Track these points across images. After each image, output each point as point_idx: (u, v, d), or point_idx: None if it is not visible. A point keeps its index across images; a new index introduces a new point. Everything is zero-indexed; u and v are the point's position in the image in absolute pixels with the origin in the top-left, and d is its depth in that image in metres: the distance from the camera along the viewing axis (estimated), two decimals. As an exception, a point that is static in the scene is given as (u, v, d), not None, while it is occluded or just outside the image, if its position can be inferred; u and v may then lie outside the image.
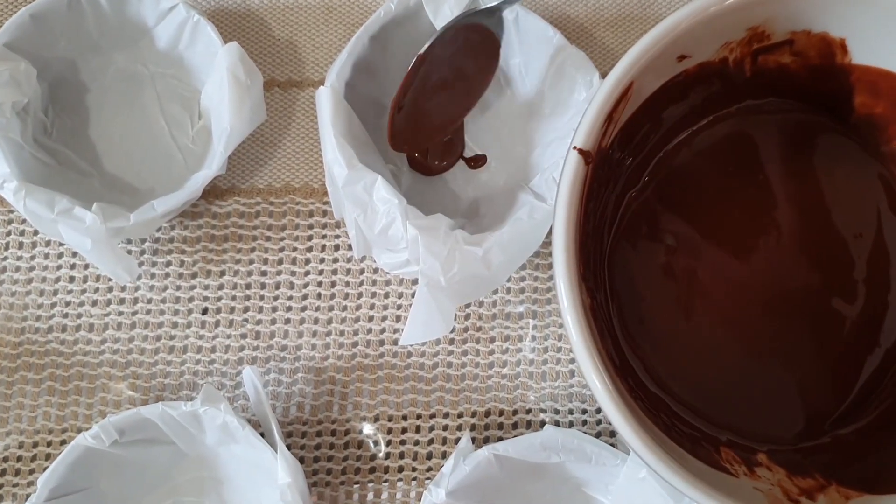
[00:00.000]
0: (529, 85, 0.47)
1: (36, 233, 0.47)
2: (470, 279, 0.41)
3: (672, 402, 0.42)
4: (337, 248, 0.47)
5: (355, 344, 0.46)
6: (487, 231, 0.41)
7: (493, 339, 0.46)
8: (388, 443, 0.45)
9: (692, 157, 0.44)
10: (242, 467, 0.43)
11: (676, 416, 0.42)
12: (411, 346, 0.46)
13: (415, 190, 0.48)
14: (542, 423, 0.45)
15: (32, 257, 0.46)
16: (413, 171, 0.48)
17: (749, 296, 0.43)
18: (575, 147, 0.36)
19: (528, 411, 0.46)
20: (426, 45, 0.42)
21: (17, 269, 0.46)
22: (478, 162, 0.48)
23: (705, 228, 0.44)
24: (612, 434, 0.45)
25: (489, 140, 0.48)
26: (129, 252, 0.47)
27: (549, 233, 0.42)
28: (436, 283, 0.40)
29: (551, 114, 0.46)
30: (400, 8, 0.44)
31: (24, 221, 0.47)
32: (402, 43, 0.46)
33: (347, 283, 0.47)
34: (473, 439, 0.45)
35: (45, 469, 0.40)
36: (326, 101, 0.42)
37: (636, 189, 0.44)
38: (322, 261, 0.47)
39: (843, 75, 0.42)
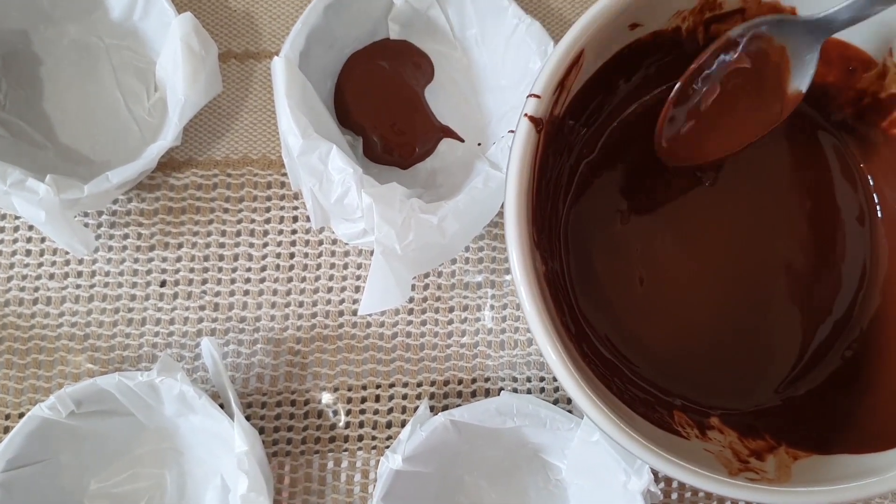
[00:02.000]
0: (486, 55, 0.47)
1: (-9, 207, 0.46)
2: (426, 248, 0.41)
3: (626, 368, 0.43)
4: (295, 219, 0.47)
5: (314, 315, 0.46)
6: (443, 200, 0.42)
7: (451, 309, 0.47)
8: (348, 412, 0.45)
9: (647, 126, 0.44)
10: (202, 438, 0.43)
11: (631, 381, 0.42)
12: (370, 316, 0.46)
13: (372, 161, 0.48)
14: (500, 392, 0.46)
15: (-13, 231, 0.46)
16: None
17: (703, 264, 0.44)
18: (526, 114, 0.36)
19: (487, 380, 0.46)
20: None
21: (-27, 242, 0.46)
22: (448, 134, 0.48)
23: (659, 197, 0.44)
24: (570, 401, 0.46)
25: (446, 111, 0.48)
26: (86, 225, 0.46)
27: (504, 202, 0.42)
28: (391, 251, 0.40)
29: (507, 83, 0.46)
30: None
31: (-22, 195, 0.46)
32: (358, 13, 0.46)
33: (306, 255, 0.47)
34: (432, 408, 0.45)
35: (1, 441, 0.40)
36: (281, 71, 0.42)
37: (591, 158, 0.44)
38: (280, 232, 0.47)
39: (794, 44, 0.43)
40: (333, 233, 0.46)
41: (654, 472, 0.41)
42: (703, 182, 0.44)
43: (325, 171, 0.41)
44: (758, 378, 0.43)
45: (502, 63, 0.46)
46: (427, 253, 0.42)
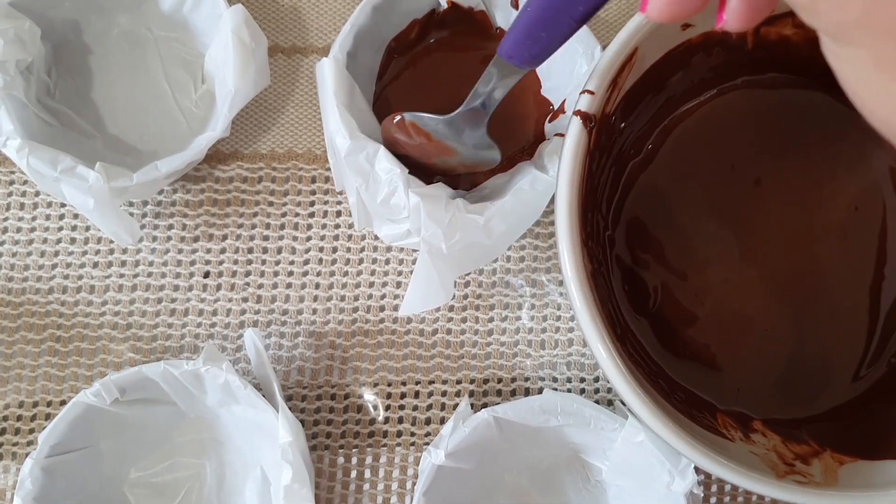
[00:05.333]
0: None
1: (37, 193, 0.47)
2: (471, 247, 0.41)
3: (670, 370, 0.42)
4: (339, 214, 0.47)
5: (356, 309, 0.46)
6: (488, 201, 0.42)
7: (492, 307, 0.47)
8: (388, 408, 0.45)
9: (694, 128, 0.44)
10: (243, 428, 0.43)
11: (675, 383, 0.42)
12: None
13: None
14: (541, 391, 0.45)
15: (34, 218, 0.46)
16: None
17: (749, 271, 0.44)
18: (579, 111, 0.36)
19: (527, 379, 0.46)
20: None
21: (19, 229, 0.46)
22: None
23: (707, 201, 0.44)
24: (610, 403, 0.46)
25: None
26: (131, 215, 0.47)
27: (551, 202, 0.42)
28: (437, 250, 0.40)
29: (552, 87, 0.46)
30: None
31: (25, 182, 0.47)
32: (405, 12, 0.46)
33: (349, 249, 0.47)
34: (472, 406, 0.45)
35: (44, 429, 0.40)
36: (329, 72, 0.41)
37: (638, 159, 0.44)
38: (324, 226, 0.47)
39: (843, 48, 0.42)
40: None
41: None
42: (753, 184, 0.44)
43: (371, 172, 0.41)
44: (803, 388, 0.43)
45: (548, 66, 0.46)
46: (472, 253, 0.41)
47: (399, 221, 0.41)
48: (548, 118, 0.46)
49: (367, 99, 0.45)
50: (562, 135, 0.42)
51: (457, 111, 0.40)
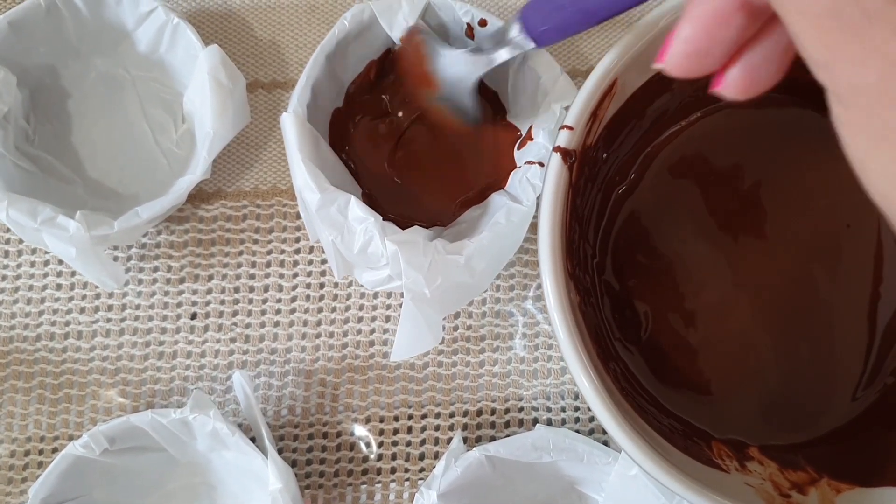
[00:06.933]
0: (492, 87, 0.46)
1: (21, 241, 0.46)
2: (454, 288, 0.40)
3: (664, 399, 0.42)
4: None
5: (345, 345, 0.46)
6: (465, 238, 0.41)
7: (483, 338, 0.46)
8: (380, 444, 0.45)
9: (679, 152, 0.44)
10: (234, 473, 0.43)
11: (668, 412, 0.42)
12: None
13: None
14: (535, 422, 0.45)
15: (18, 265, 0.46)
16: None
17: (742, 293, 0.43)
18: (557, 147, 0.36)
19: (521, 409, 0.45)
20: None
21: (4, 277, 0.46)
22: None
23: (693, 223, 0.44)
24: (605, 431, 0.45)
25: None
26: (116, 258, 0.46)
27: (532, 229, 0.41)
28: (420, 295, 0.39)
29: (518, 113, 0.45)
30: (354, 23, 0.43)
31: (8, 230, 0.46)
32: (360, 56, 0.45)
33: (336, 285, 0.46)
34: (465, 439, 0.45)
35: (37, 477, 0.40)
36: (291, 127, 0.40)
37: (623, 185, 0.43)
38: (310, 262, 0.46)
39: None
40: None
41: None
42: (742, 205, 0.43)
43: (345, 223, 0.40)
44: (799, 410, 0.42)
45: (510, 94, 0.45)
46: (456, 293, 0.41)
47: (379, 268, 0.41)
48: (516, 145, 0.45)
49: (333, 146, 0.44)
50: (532, 162, 0.41)
51: (461, 49, 0.41)
